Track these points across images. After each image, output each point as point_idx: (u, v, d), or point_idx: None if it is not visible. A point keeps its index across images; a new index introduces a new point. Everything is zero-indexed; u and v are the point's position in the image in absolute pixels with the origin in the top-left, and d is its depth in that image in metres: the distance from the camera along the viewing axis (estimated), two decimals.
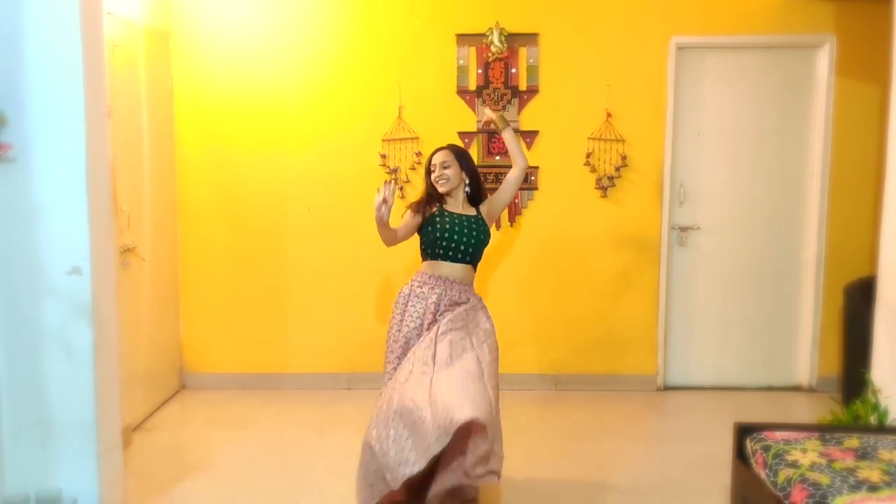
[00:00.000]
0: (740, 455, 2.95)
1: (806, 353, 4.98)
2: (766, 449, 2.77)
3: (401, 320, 3.34)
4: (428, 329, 3.28)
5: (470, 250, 3.35)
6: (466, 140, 4.81)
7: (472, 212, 3.44)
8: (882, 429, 3.14)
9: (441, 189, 3.38)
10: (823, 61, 4.79)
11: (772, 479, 2.65)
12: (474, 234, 3.35)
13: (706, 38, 4.78)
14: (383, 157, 4.85)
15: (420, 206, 3.38)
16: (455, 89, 4.82)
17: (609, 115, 4.79)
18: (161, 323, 4.74)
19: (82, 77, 2.93)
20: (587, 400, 4.82)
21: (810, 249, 4.93)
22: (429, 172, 3.43)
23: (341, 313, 4.98)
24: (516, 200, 4.87)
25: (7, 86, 2.90)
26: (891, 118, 3.35)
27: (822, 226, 4.87)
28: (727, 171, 4.92)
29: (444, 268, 3.34)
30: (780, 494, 2.57)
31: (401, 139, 4.84)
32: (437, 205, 3.39)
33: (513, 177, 3.48)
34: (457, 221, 3.34)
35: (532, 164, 4.84)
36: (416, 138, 4.82)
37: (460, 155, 3.43)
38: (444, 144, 3.46)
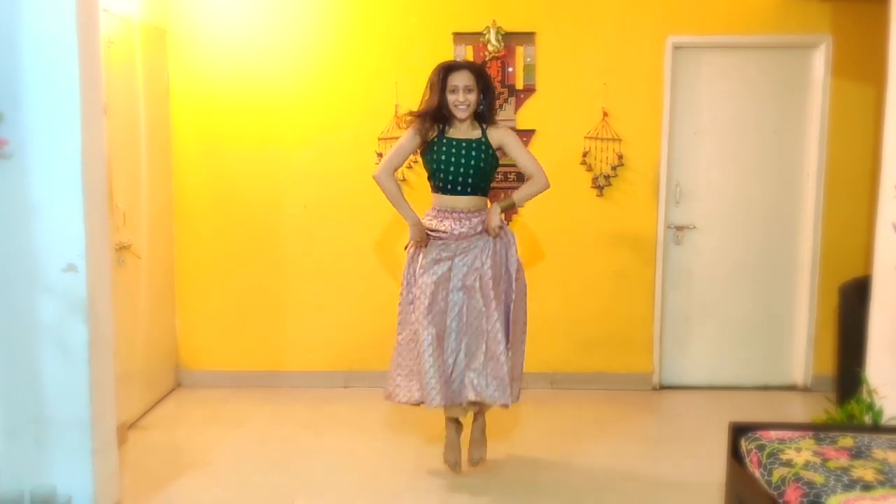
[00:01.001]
0: (735, 454, 2.95)
1: (801, 352, 4.99)
2: (761, 448, 2.78)
3: (410, 264, 3.31)
4: (440, 262, 3.15)
5: (470, 180, 3.13)
6: None
7: (476, 134, 3.19)
8: (876, 428, 3.15)
9: (460, 115, 3.14)
10: (819, 61, 4.80)
11: (766, 478, 2.66)
12: (473, 161, 3.12)
13: (702, 37, 4.78)
14: (380, 155, 4.84)
15: (422, 126, 3.15)
16: None
17: (605, 114, 4.79)
18: (157, 320, 4.73)
19: (78, 73, 2.92)
20: (583, 398, 4.82)
21: (806, 249, 4.94)
22: (441, 89, 3.15)
23: (338, 311, 4.97)
24: None
25: (3, 82, 2.89)
26: (886, 118, 3.36)
27: (818, 225, 4.88)
28: (723, 171, 4.93)
29: (450, 201, 3.17)
30: (775, 493, 2.57)
31: (397, 138, 4.81)
32: (438, 127, 3.16)
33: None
34: (454, 149, 3.12)
35: None
36: None
37: (481, 75, 3.18)
38: (460, 61, 3.24)
